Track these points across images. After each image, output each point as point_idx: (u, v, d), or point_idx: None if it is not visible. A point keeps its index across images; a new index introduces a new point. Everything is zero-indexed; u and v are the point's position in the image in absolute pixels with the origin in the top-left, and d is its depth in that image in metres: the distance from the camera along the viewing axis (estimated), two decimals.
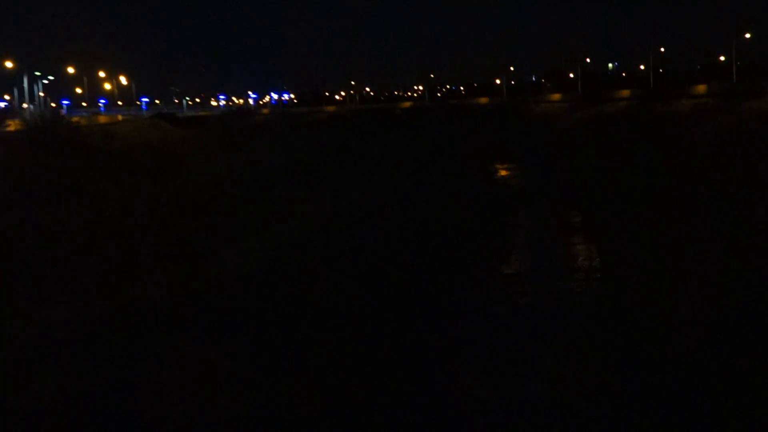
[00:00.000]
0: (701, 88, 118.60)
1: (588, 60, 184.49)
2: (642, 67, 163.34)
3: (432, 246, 40.04)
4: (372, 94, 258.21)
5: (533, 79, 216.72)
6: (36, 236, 41.03)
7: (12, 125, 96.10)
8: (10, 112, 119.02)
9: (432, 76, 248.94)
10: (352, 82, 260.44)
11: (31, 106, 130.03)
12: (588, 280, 34.74)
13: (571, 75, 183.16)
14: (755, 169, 51.95)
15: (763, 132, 70.02)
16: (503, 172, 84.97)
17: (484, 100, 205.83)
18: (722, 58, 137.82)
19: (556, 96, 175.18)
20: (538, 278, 35.41)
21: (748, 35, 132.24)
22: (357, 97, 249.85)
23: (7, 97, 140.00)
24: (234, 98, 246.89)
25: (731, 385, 19.52)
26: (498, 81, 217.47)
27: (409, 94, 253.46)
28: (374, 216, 50.50)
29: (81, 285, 32.52)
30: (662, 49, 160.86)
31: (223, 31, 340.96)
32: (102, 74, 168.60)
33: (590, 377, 21.23)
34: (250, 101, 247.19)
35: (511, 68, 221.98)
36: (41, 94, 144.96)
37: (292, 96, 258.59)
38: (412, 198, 59.70)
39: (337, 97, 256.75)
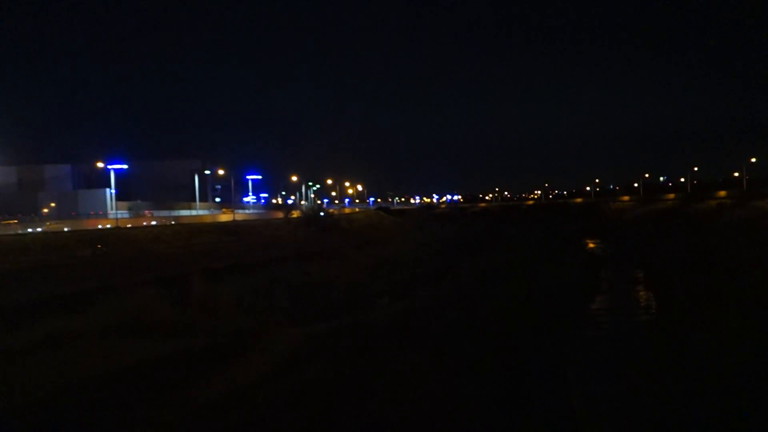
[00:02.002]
0: (722, 193, 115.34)
1: (646, 175, 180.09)
2: (682, 179, 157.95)
3: (546, 289, 39.84)
4: (508, 195, 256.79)
5: (611, 186, 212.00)
6: (308, 281, 42.62)
7: (295, 214, 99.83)
8: (293, 206, 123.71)
9: (546, 184, 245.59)
10: (496, 189, 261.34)
11: (306, 203, 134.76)
12: (648, 313, 34.12)
13: (636, 184, 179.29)
14: (762, 245, 49.55)
15: (766, 220, 66.96)
16: (591, 245, 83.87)
17: (579, 200, 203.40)
18: (736, 174, 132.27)
19: (626, 198, 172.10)
20: (615, 312, 34.96)
21: (753, 159, 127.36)
22: (499, 198, 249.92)
23: (292, 197, 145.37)
24: (425, 198, 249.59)
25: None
26: (588, 188, 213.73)
27: (531, 195, 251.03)
28: (510, 269, 50.65)
29: (334, 310, 33.81)
30: (695, 168, 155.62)
31: (418, 155, 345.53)
32: (347, 184, 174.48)
33: (652, 379, 20.97)
34: (434, 199, 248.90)
35: (597, 180, 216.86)
36: (312, 195, 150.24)
37: (459, 197, 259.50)
38: (536, 259, 59.56)
39: (487, 197, 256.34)
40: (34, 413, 17.07)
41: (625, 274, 50.28)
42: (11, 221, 70.61)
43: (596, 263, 59.47)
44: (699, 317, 27.86)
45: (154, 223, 76.14)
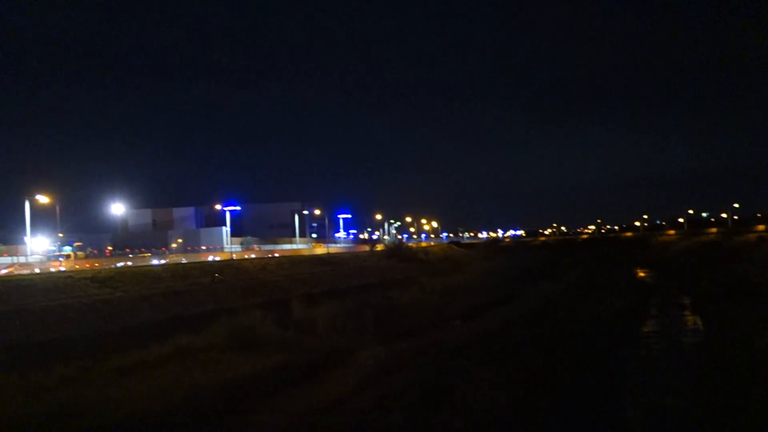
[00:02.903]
0: (761, 227, 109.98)
1: (690, 211, 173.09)
2: (723, 215, 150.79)
3: (601, 312, 38.62)
4: (565, 230, 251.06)
5: (657, 222, 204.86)
6: (390, 304, 42.45)
7: (379, 247, 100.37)
8: (377, 240, 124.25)
9: (599, 220, 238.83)
10: (554, 224, 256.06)
11: (388, 237, 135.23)
12: (695, 335, 32.55)
13: (680, 219, 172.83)
14: None
15: None
16: (641, 274, 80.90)
17: (629, 234, 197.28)
18: None
19: (672, 232, 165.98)
20: (665, 334, 33.48)
21: None
22: (557, 232, 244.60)
23: (377, 232, 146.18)
24: (491, 232, 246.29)
25: None
26: (637, 223, 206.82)
27: (586, 230, 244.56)
28: (568, 295, 49.36)
29: (414, 331, 33.53)
30: (736, 204, 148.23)
31: (485, 194, 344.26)
32: (423, 220, 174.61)
33: (700, 394, 19.99)
34: (500, 234, 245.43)
35: (645, 216, 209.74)
36: (393, 231, 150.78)
37: (522, 231, 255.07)
38: (591, 286, 57.80)
39: (546, 232, 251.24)
40: (166, 415, 17.48)
41: (673, 299, 48.19)
42: (146, 254, 73.40)
43: (646, 290, 57.34)
44: (743, 338, 26.34)
45: (259, 255, 77.75)
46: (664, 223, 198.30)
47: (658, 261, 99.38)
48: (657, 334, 33.20)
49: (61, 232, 65.28)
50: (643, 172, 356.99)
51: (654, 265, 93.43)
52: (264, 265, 58.56)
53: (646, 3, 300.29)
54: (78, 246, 66.84)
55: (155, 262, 62.64)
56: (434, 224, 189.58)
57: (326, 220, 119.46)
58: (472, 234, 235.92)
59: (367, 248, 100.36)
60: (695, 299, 45.55)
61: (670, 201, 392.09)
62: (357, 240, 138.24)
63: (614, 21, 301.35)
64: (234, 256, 75.13)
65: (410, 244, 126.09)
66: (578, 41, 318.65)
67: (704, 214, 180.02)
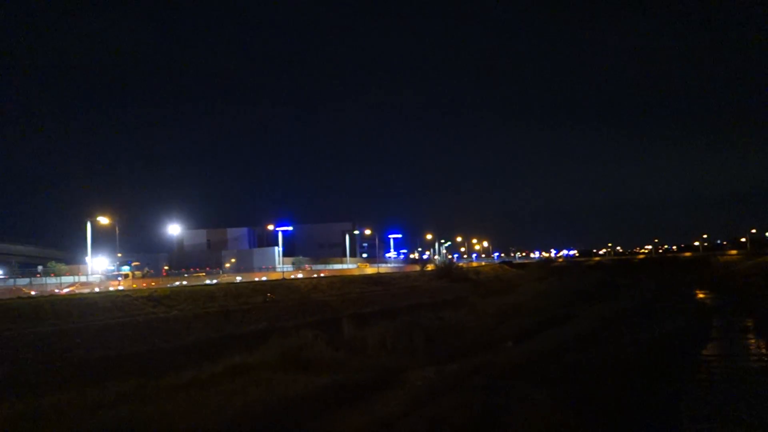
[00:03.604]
0: None
1: (753, 230, 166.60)
2: None
3: (659, 335, 37.50)
4: (620, 250, 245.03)
5: (718, 242, 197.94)
6: (441, 325, 42.06)
7: (429, 267, 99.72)
8: (428, 260, 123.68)
9: (656, 240, 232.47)
10: (609, 244, 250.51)
11: (438, 257, 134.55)
12: (760, 360, 31.23)
13: (743, 239, 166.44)
14: None
15: None
16: (701, 295, 78.23)
17: (688, 254, 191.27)
18: None
19: (733, 252, 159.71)
20: (725, 358, 32.22)
21: None
22: (612, 252, 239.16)
23: (427, 252, 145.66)
24: (544, 252, 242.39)
25: None
26: (696, 243, 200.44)
27: (642, 250, 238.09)
28: (624, 317, 48.05)
29: (464, 351, 33.12)
30: None
31: (539, 212, 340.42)
32: (474, 240, 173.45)
33: (762, 417, 19.17)
34: (552, 254, 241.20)
35: (705, 235, 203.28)
36: (444, 251, 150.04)
37: (575, 251, 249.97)
38: (648, 308, 56.25)
39: (600, 252, 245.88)
40: None
41: (735, 322, 46.39)
42: (200, 274, 74.92)
43: (707, 312, 55.37)
44: None
45: (321, 274, 78.41)
46: (725, 242, 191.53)
47: (719, 282, 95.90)
48: (718, 358, 32.01)
49: (120, 253, 67.27)
50: (702, 190, 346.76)
51: (715, 286, 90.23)
52: (315, 284, 59.00)
53: (710, 18, 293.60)
54: (136, 266, 68.74)
55: (209, 281, 63.90)
56: (485, 244, 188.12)
57: (377, 240, 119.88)
58: (523, 254, 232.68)
59: (417, 268, 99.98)
60: (759, 322, 43.80)
61: (732, 220, 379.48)
62: (407, 260, 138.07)
63: (670, 36, 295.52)
64: (290, 275, 75.99)
65: (461, 264, 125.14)
66: (627, 57, 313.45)
67: (767, 234, 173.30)
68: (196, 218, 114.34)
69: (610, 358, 29.10)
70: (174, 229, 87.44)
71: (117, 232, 61.84)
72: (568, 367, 27.53)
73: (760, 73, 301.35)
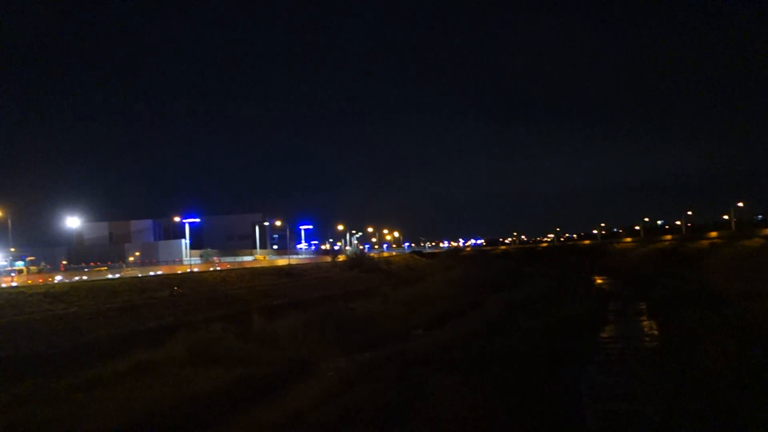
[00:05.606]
0: (713, 234, 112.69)
1: (646, 219, 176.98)
2: (678, 222, 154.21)
3: (560, 320, 39.07)
4: (524, 239, 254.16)
5: (615, 229, 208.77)
6: (353, 315, 42.15)
7: (341, 258, 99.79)
8: (340, 251, 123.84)
9: (558, 229, 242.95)
10: (514, 233, 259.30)
11: (350, 248, 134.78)
12: (651, 340, 33.19)
13: (637, 227, 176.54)
14: (748, 280, 48.11)
15: (751, 258, 65.26)
16: (599, 281, 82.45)
17: (587, 242, 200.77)
18: (725, 217, 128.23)
19: (628, 239, 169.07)
20: (621, 340, 34.08)
21: (740, 204, 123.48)
22: (517, 241, 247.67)
23: (339, 243, 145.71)
24: (453, 242, 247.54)
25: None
26: (594, 231, 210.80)
27: (545, 238, 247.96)
28: (528, 304, 49.80)
29: (376, 341, 33.44)
30: (689, 212, 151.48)
31: (447, 204, 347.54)
32: (385, 231, 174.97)
33: (656, 398, 20.38)
34: (461, 243, 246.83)
35: (602, 224, 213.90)
36: (355, 241, 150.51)
37: (483, 241, 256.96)
38: (550, 294, 58.59)
39: (506, 241, 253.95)
40: None
41: (630, 306, 49.16)
42: (102, 268, 71.79)
43: (604, 297, 58.36)
44: (695, 342, 27.03)
45: (223, 266, 76.75)
46: (620, 230, 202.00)
47: (615, 268, 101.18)
48: (615, 340, 33.78)
49: (13, 248, 63.49)
50: (601, 182, 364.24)
51: (611, 272, 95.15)
52: (224, 277, 57.80)
53: (624, 12, 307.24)
54: (31, 261, 65.10)
55: (112, 276, 61.32)
56: (396, 234, 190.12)
57: (288, 232, 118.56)
58: (433, 244, 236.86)
59: (329, 259, 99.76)
60: (651, 305, 46.53)
61: (627, 209, 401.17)
62: (319, 251, 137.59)
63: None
64: (196, 269, 74.01)
65: (372, 254, 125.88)
66: (542, 52, 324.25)
67: (659, 222, 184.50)
68: (97, 211, 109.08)
69: (516, 344, 30.14)
70: (73, 222, 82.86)
71: (10, 225, 58.20)
72: (477, 353, 28.27)
73: (653, 67, 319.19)
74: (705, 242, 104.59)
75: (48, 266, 69.17)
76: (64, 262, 78.10)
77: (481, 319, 41.53)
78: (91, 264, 75.87)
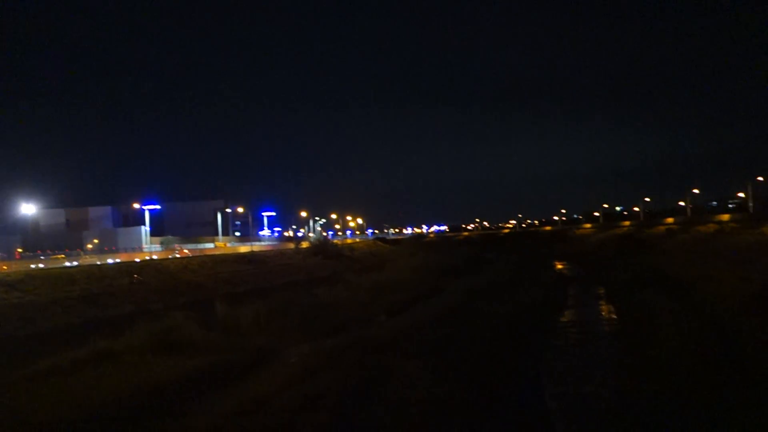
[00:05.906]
0: (670, 220, 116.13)
1: (605, 205, 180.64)
2: (636, 208, 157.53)
3: (521, 305, 39.70)
4: (487, 225, 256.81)
5: (575, 216, 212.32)
6: (316, 302, 42.08)
7: (304, 245, 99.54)
8: (303, 238, 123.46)
9: (519, 215, 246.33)
10: (477, 219, 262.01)
11: (313, 235, 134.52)
12: (610, 324, 33.86)
13: (596, 214, 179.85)
14: (702, 264, 49.42)
15: (706, 243, 67.04)
16: (559, 266, 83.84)
17: (548, 228, 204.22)
18: (681, 203, 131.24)
19: (588, 225, 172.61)
20: (581, 323, 34.70)
21: (696, 191, 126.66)
22: (479, 227, 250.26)
23: (302, 230, 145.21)
24: (416, 228, 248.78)
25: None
26: (555, 217, 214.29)
27: (507, 224, 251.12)
28: (490, 289, 50.32)
29: (340, 327, 33.42)
30: (647, 199, 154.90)
31: (410, 191, 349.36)
32: (348, 217, 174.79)
33: (615, 380, 20.88)
34: (424, 230, 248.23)
35: (563, 210, 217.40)
36: (319, 228, 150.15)
37: (446, 227, 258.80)
38: (512, 280, 59.36)
39: (469, 227, 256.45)
40: (79, 424, 16.75)
41: (589, 291, 50.08)
42: (59, 256, 70.27)
43: (564, 282, 59.34)
44: (653, 325, 27.72)
45: (183, 254, 75.76)
46: (580, 217, 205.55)
47: (576, 254, 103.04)
48: (575, 324, 34.36)
49: None
50: (562, 169, 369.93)
51: (572, 257, 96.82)
52: (185, 264, 57.11)
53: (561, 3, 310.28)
54: None
55: (69, 264, 59.98)
56: (359, 221, 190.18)
57: (250, 218, 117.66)
58: (397, 230, 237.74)
59: (292, 246, 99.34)
60: (610, 290, 47.54)
61: (587, 196, 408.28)
62: (282, 238, 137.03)
63: (535, 18, 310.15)
64: (155, 256, 72.92)
65: (336, 241, 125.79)
66: (505, 40, 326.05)
67: (618, 208, 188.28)
68: (53, 197, 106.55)
69: (477, 329, 30.50)
70: (28, 209, 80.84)
71: None
72: (439, 338, 28.51)
73: (616, 57, 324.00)
74: (662, 228, 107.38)
75: (2, 254, 67.41)
76: (20, 250, 76.34)
77: (442, 305, 41.86)
78: (48, 252, 74.24)
